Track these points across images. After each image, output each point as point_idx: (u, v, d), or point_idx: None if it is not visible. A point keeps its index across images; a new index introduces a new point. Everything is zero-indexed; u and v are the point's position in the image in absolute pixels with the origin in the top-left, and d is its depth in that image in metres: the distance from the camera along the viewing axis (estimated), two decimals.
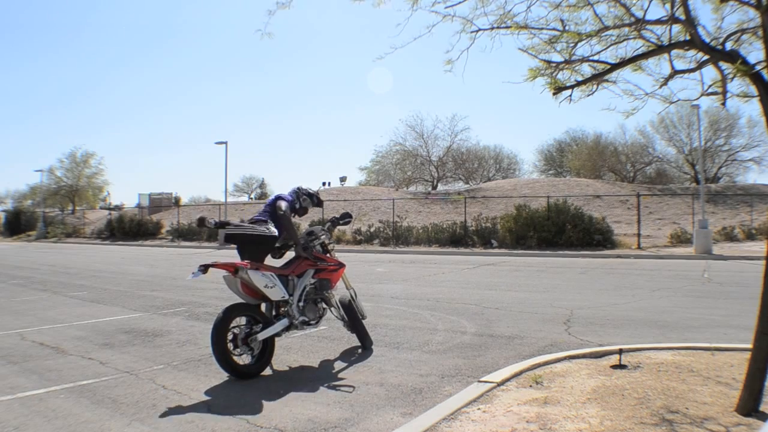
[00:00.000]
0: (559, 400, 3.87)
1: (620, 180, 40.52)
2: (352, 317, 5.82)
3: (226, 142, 30.16)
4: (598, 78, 4.27)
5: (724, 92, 4.12)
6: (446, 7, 4.32)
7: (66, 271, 15.75)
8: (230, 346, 4.84)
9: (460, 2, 4.32)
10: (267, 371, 5.06)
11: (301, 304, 5.37)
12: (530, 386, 4.25)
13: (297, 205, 5.82)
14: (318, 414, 3.94)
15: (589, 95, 4.42)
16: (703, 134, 34.58)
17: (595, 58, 4.31)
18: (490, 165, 49.64)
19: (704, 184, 24.13)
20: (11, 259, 21.95)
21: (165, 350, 5.98)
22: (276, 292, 5.08)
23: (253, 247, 5.28)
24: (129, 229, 34.63)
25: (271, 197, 5.90)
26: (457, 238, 23.04)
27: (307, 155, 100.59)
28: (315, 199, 5.95)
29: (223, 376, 4.87)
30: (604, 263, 16.27)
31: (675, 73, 4.23)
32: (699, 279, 11.73)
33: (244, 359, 4.94)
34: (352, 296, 5.96)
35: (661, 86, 4.36)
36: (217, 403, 4.23)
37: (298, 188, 5.97)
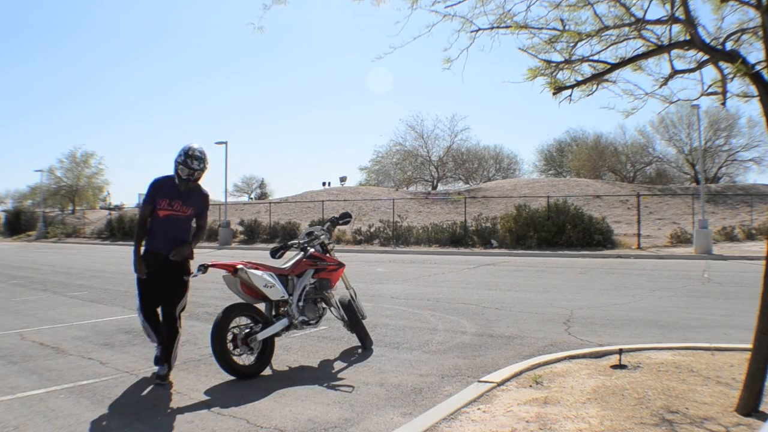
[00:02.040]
0: (559, 400, 3.87)
1: (620, 180, 40.52)
2: (352, 317, 5.82)
3: (226, 142, 30.18)
4: (598, 78, 4.27)
5: (724, 92, 4.12)
6: (446, 7, 4.32)
7: (66, 271, 15.75)
8: (230, 346, 4.83)
9: (459, 2, 4.32)
10: (267, 371, 5.06)
11: (300, 303, 5.36)
12: (530, 386, 4.25)
13: (177, 180, 4.92)
14: (318, 414, 3.94)
15: (588, 95, 4.42)
16: (703, 134, 34.60)
17: (595, 57, 4.31)
18: (490, 165, 49.66)
19: (704, 184, 24.13)
20: (11, 259, 21.95)
21: None
22: (275, 291, 5.08)
23: None
24: (129, 229, 34.59)
25: None
26: (457, 238, 23.04)
27: (307, 155, 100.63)
28: (181, 158, 4.83)
29: (223, 376, 4.87)
30: (604, 263, 16.27)
31: (675, 73, 4.23)
32: (699, 279, 11.73)
33: (243, 359, 4.93)
34: (351, 296, 5.96)
35: (661, 86, 4.36)
36: (217, 403, 4.23)
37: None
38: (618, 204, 28.82)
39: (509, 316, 7.58)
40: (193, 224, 5.16)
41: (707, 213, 22.93)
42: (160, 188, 4.92)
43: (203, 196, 5.14)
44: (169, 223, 4.91)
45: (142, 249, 4.96)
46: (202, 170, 4.91)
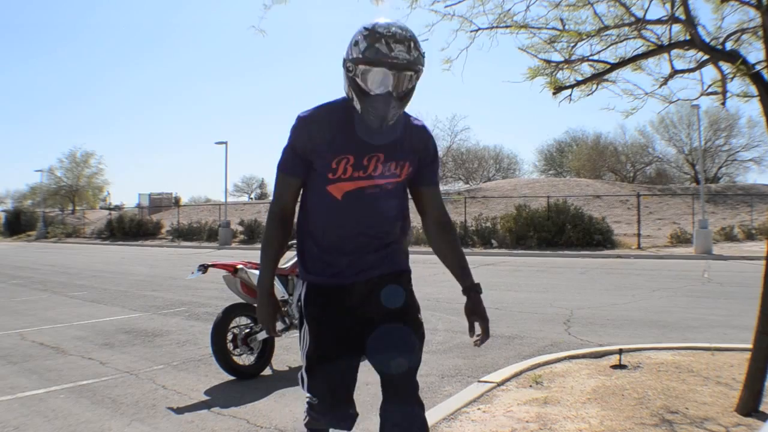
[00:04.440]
0: (559, 400, 3.87)
1: (620, 180, 40.50)
2: None
3: (226, 142, 30.15)
4: (597, 77, 4.28)
5: (724, 92, 4.12)
6: (446, 6, 4.31)
7: (66, 271, 15.75)
8: (230, 346, 4.84)
9: (459, 1, 4.31)
10: (267, 371, 5.06)
11: (300, 303, 5.36)
12: (530, 386, 4.24)
13: (360, 107, 2.08)
14: None
15: (588, 95, 4.42)
16: (703, 134, 34.57)
17: (595, 57, 4.31)
18: (490, 165, 49.61)
19: (704, 184, 24.13)
20: (11, 259, 21.94)
21: (165, 350, 5.98)
22: (275, 291, 5.08)
23: None
24: (129, 229, 34.62)
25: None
26: None
27: None
28: (365, 45, 1.92)
29: (223, 376, 4.87)
30: (604, 263, 16.26)
31: (675, 72, 4.23)
32: (699, 279, 11.72)
33: (243, 359, 4.94)
34: None
35: (660, 86, 4.36)
36: (217, 403, 4.23)
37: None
38: (618, 204, 28.81)
39: (509, 316, 7.58)
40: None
41: (707, 213, 22.91)
42: (318, 132, 2.06)
43: (425, 135, 2.21)
44: (366, 211, 2.11)
45: (298, 282, 2.49)
46: (415, 66, 1.96)
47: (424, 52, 1.98)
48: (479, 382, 4.41)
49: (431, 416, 3.71)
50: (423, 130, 2.19)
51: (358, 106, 1.96)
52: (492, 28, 4.36)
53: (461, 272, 2.21)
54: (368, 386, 4.61)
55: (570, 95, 4.33)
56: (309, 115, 2.07)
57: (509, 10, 4.27)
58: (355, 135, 2.02)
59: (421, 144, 2.17)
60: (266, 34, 4.74)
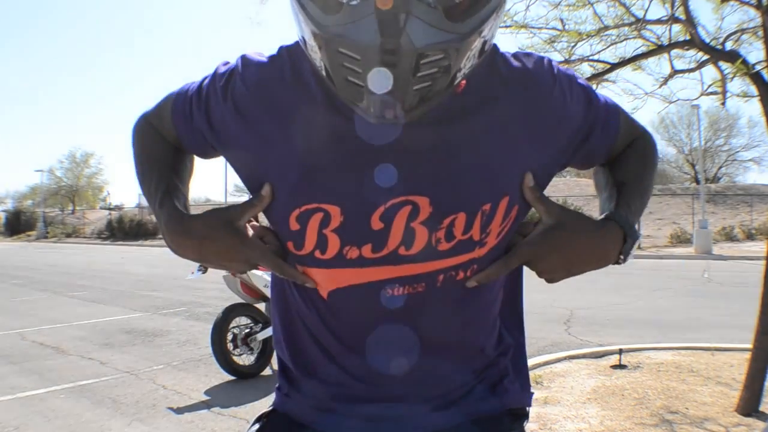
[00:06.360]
0: (559, 400, 3.87)
1: None
2: None
3: None
4: (597, 77, 4.28)
5: (724, 92, 4.13)
6: None
7: (66, 271, 15.75)
8: (230, 346, 4.83)
9: None
10: (267, 371, 5.06)
11: None
12: None
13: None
14: None
15: None
16: (703, 134, 34.57)
17: (595, 57, 4.32)
18: None
19: (704, 184, 24.14)
20: (11, 259, 21.95)
21: (165, 350, 5.98)
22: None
23: None
24: (129, 229, 34.66)
25: None
26: None
27: None
28: None
29: (223, 376, 4.86)
30: None
31: (675, 72, 4.24)
32: (699, 279, 11.73)
33: (243, 359, 4.93)
34: None
35: (660, 86, 4.38)
36: (217, 403, 4.23)
37: None
38: None
39: None
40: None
41: (707, 213, 22.92)
42: (276, 113, 0.86)
43: (549, 91, 0.88)
44: (393, 331, 0.87)
45: None
46: None
47: None
48: None
49: None
50: (535, 78, 0.89)
51: (322, 61, 0.71)
52: None
53: (615, 193, 0.99)
54: None
55: None
56: (261, 64, 0.92)
57: (509, 10, 4.27)
58: (346, 141, 0.82)
59: (548, 117, 0.90)
60: (262, 25, 4.70)
